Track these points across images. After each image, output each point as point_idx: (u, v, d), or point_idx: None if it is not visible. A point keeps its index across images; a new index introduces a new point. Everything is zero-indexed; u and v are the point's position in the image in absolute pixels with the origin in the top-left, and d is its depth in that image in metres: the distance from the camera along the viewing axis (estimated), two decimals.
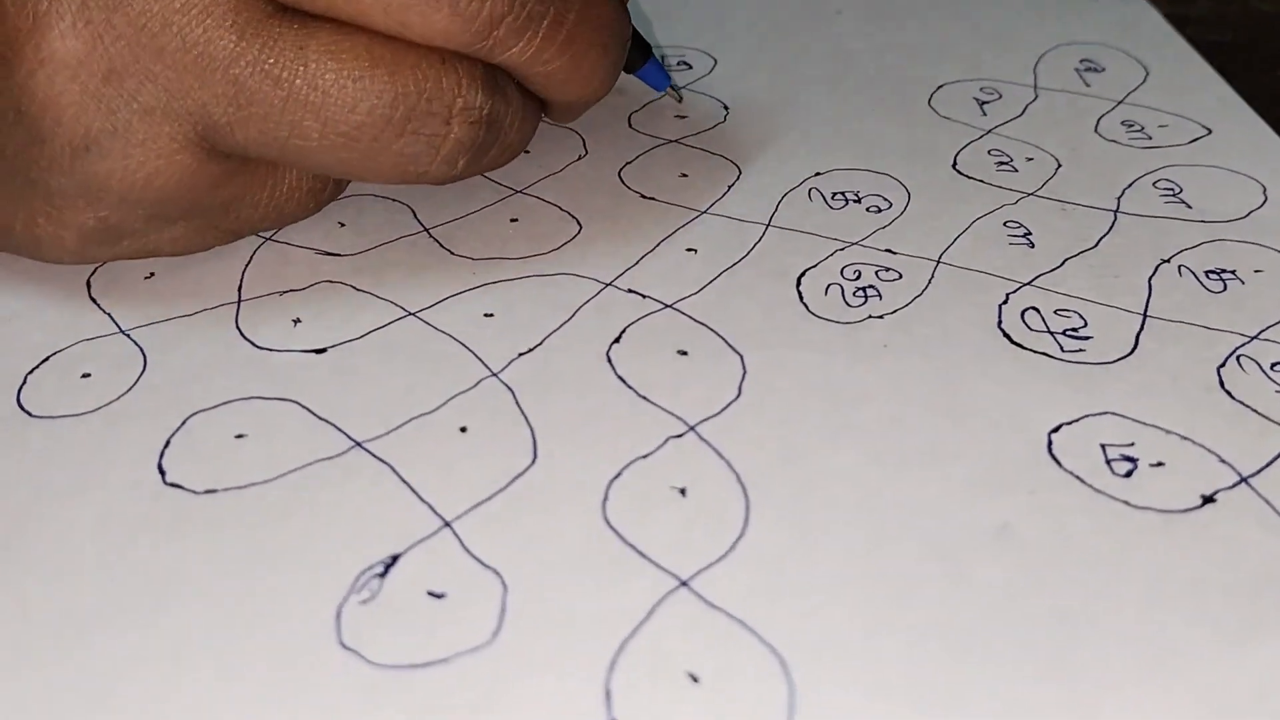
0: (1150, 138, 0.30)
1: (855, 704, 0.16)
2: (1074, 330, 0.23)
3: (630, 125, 0.30)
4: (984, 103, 0.32)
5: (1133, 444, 0.20)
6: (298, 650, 0.17)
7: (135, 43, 0.20)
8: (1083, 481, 0.20)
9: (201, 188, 0.22)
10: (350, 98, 0.21)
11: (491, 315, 0.23)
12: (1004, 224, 0.26)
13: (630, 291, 0.24)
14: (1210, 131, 0.30)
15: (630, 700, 0.16)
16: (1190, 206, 0.27)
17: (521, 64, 0.23)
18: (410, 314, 0.23)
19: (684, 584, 0.18)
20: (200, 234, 0.24)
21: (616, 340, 0.23)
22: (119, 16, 0.20)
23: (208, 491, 0.19)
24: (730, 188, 0.28)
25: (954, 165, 0.29)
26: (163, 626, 0.17)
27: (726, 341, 0.23)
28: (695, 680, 0.16)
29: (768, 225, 0.26)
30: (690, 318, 0.23)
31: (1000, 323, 0.23)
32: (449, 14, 0.21)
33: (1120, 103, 0.32)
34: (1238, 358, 0.22)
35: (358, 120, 0.21)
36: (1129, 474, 0.20)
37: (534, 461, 0.20)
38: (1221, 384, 0.22)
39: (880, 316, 0.23)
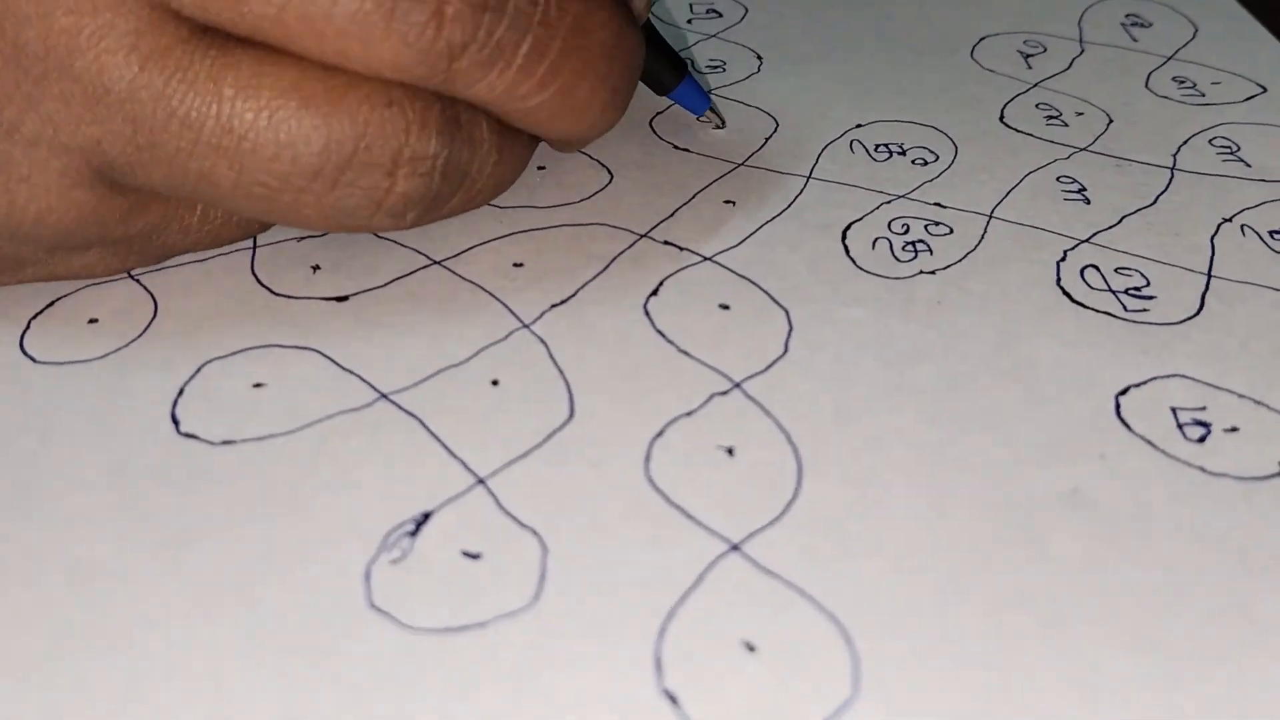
0: (1203, 95, 0.29)
1: (924, 677, 0.15)
2: (1136, 290, 0.22)
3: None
4: (1028, 56, 0.30)
5: (1204, 408, 0.19)
6: (325, 611, 0.16)
7: (16, 66, 0.17)
8: (1155, 446, 0.18)
9: (109, 221, 0.19)
10: (271, 144, 0.18)
11: (521, 265, 0.22)
12: (1057, 179, 0.25)
13: (667, 243, 0.23)
14: (1265, 90, 0.29)
15: (683, 670, 0.15)
16: (1249, 165, 0.26)
17: (494, 100, 0.19)
18: (435, 262, 0.22)
19: (735, 547, 0.17)
20: (121, 259, 0.21)
21: (654, 293, 0.22)
22: None
23: (225, 443, 0.18)
24: (768, 140, 0.27)
25: (1001, 118, 0.27)
26: (180, 581, 0.16)
27: (771, 296, 0.22)
28: (751, 649, 0.15)
29: (809, 178, 0.25)
30: (731, 271, 0.22)
31: (1059, 280, 0.22)
32: (397, 43, 0.17)
33: (1170, 59, 0.30)
34: None
35: (280, 170, 0.18)
36: (1203, 439, 0.19)
37: (571, 417, 0.19)
38: None
39: (932, 272, 0.22)
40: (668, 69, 0.25)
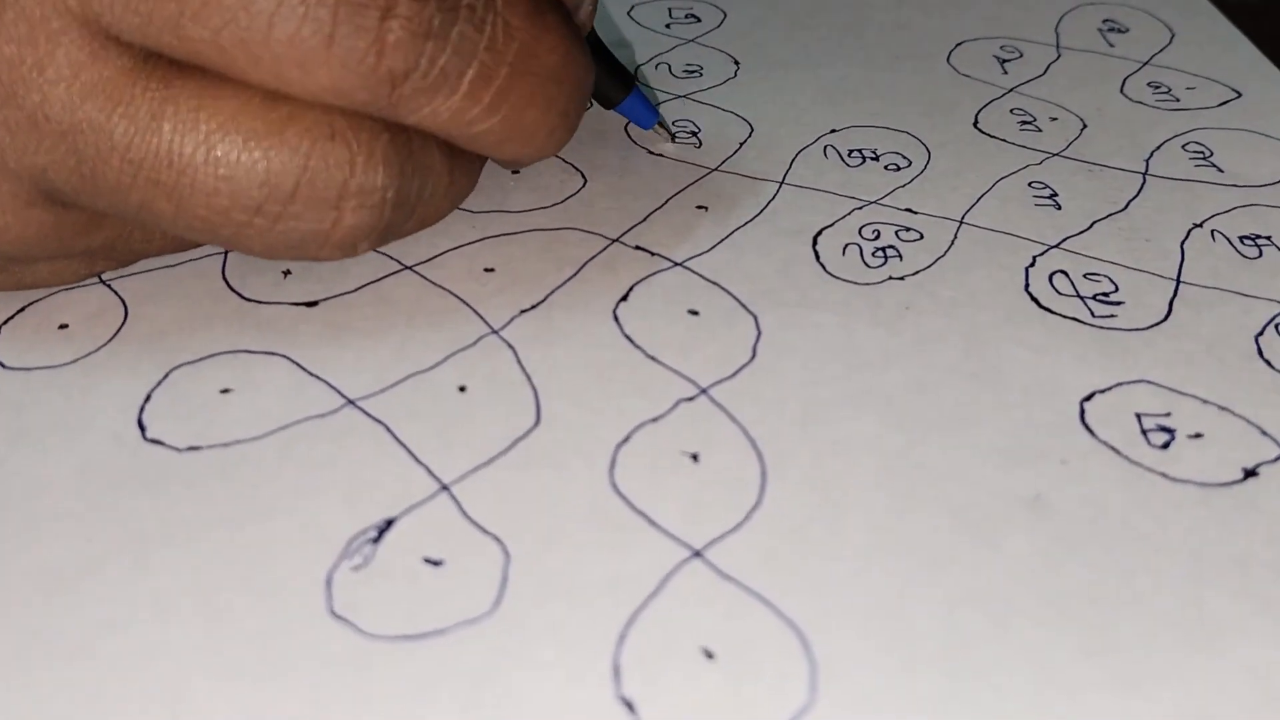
0: (1178, 100, 0.29)
1: (881, 682, 0.15)
2: (1104, 295, 0.22)
3: (637, 79, 0.29)
4: (1005, 61, 0.31)
5: (1169, 414, 0.19)
6: (286, 618, 0.16)
7: None
8: (1118, 452, 0.19)
9: (68, 236, 0.19)
10: (209, 180, 0.17)
11: (492, 270, 0.22)
12: (1029, 184, 0.25)
13: (638, 248, 0.23)
14: (1239, 95, 0.29)
15: (640, 676, 0.15)
16: (1222, 170, 0.26)
17: (439, 126, 0.18)
18: (406, 267, 0.22)
19: (697, 554, 0.17)
20: (89, 265, 0.21)
21: (624, 298, 0.22)
22: None
23: (190, 449, 0.18)
24: (742, 145, 0.27)
25: (975, 124, 0.28)
26: (143, 587, 0.16)
27: (740, 301, 0.22)
28: (710, 656, 0.15)
29: (782, 183, 0.25)
30: (701, 276, 0.22)
31: (1027, 286, 0.22)
32: (337, 68, 0.17)
33: (1145, 64, 0.30)
34: (1276, 326, 0.21)
35: (220, 205, 0.17)
36: (1166, 445, 0.19)
37: (537, 423, 0.19)
38: (1260, 353, 0.21)
39: (901, 278, 0.22)
40: (614, 84, 0.25)
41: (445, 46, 0.17)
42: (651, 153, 0.26)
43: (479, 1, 0.17)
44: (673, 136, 0.26)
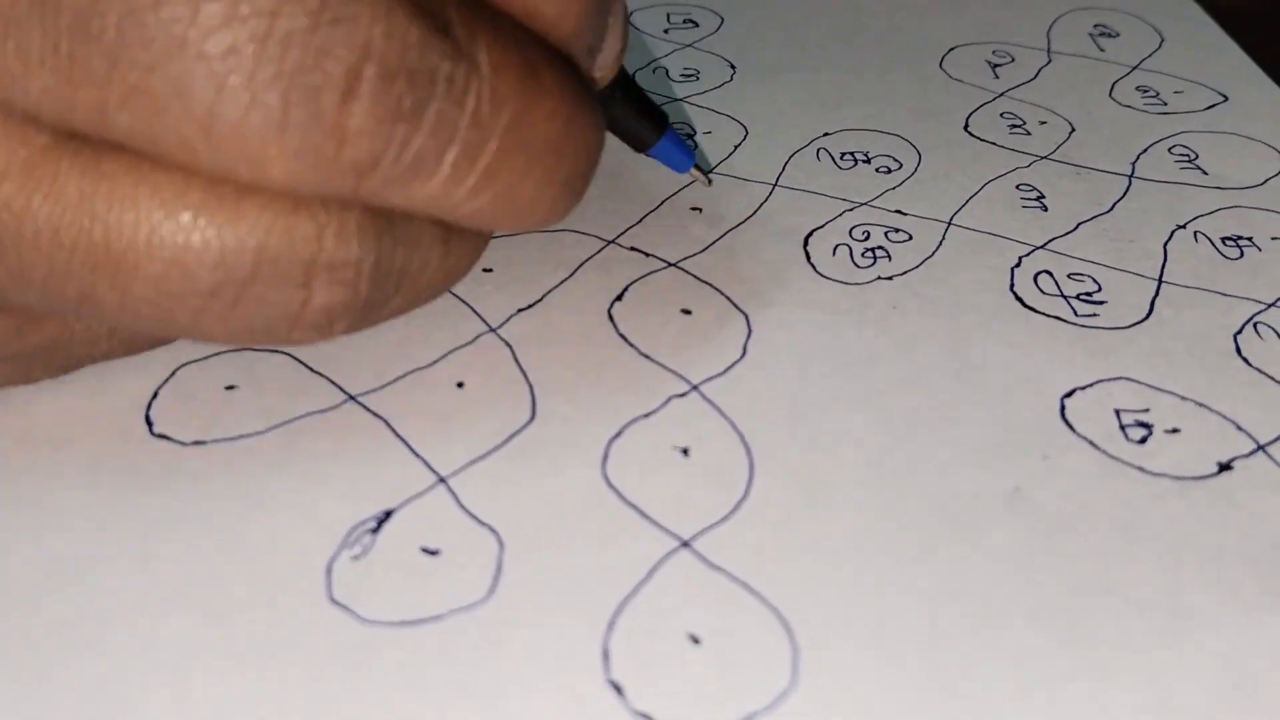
0: (1165, 104, 0.29)
1: (861, 668, 0.16)
2: (1088, 295, 0.22)
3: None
4: (996, 65, 0.31)
5: (1148, 410, 0.20)
6: (287, 605, 0.16)
7: None
8: (1096, 447, 0.19)
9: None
10: (156, 262, 0.15)
11: (490, 270, 0.23)
12: (1016, 187, 0.26)
13: (633, 249, 0.24)
14: (1226, 98, 0.29)
15: (629, 661, 0.16)
16: (1206, 173, 0.26)
17: (422, 209, 0.16)
18: None
19: (685, 544, 0.17)
20: (23, 373, 0.19)
21: (618, 298, 0.22)
22: None
23: (196, 443, 0.19)
24: (736, 147, 0.27)
25: (965, 127, 0.28)
26: (150, 578, 0.17)
27: (731, 301, 0.22)
28: (696, 642, 0.16)
29: (774, 185, 0.26)
30: (694, 276, 0.23)
31: (1012, 286, 0.23)
32: (292, 161, 0.14)
33: (1135, 68, 0.31)
34: (1255, 325, 0.22)
35: (171, 289, 0.15)
36: (1144, 440, 0.19)
37: (532, 419, 0.19)
38: (1238, 351, 0.21)
39: (889, 278, 0.23)
40: (646, 126, 0.23)
41: (420, 126, 0.15)
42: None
43: (459, 71, 0.15)
44: (709, 180, 0.25)
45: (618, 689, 0.15)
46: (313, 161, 0.14)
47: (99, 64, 0.14)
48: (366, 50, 0.14)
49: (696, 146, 0.27)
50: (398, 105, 0.14)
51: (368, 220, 0.16)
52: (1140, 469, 0.19)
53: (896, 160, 0.27)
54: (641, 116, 0.23)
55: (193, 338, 0.16)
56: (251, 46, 0.13)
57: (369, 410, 0.20)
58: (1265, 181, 0.26)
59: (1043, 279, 0.23)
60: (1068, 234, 0.24)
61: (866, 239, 0.24)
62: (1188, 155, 0.27)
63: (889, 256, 0.23)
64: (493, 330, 0.21)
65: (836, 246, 0.24)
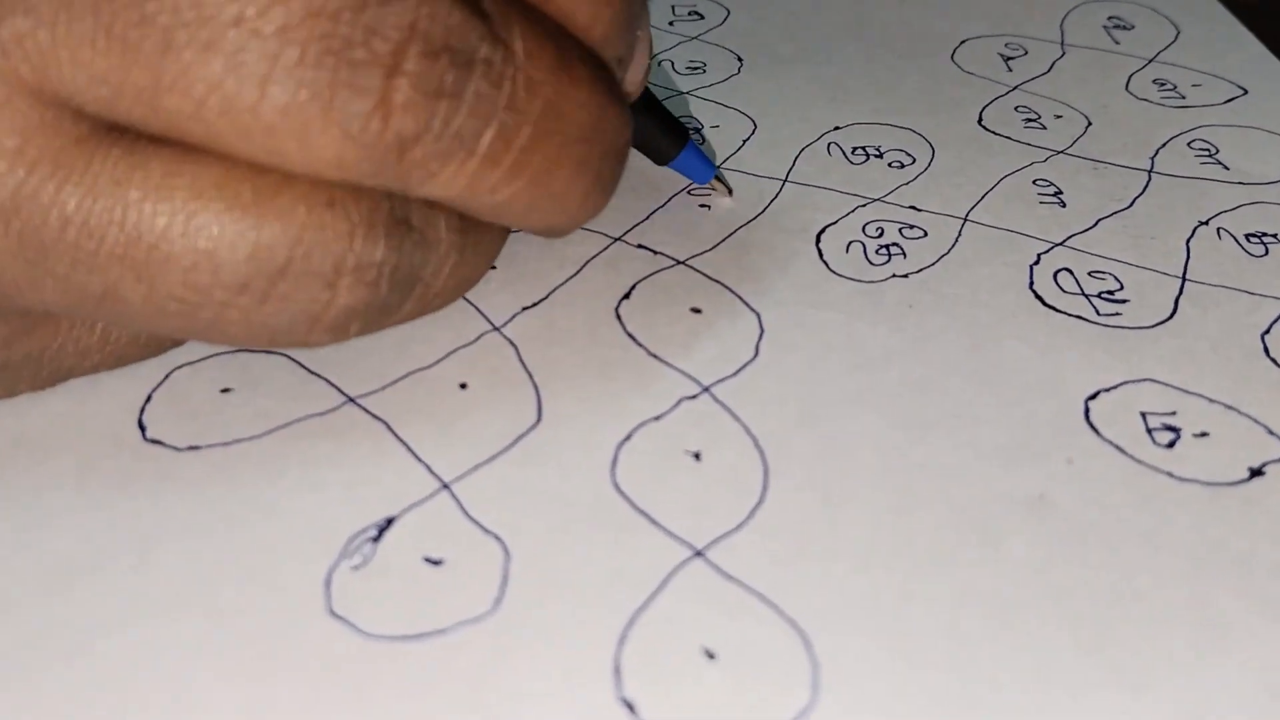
0: (1184, 97, 0.29)
1: (883, 683, 0.15)
2: (1109, 293, 0.22)
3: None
4: (1009, 58, 0.30)
5: (1175, 413, 0.19)
6: (285, 618, 0.16)
7: None
8: (1123, 451, 0.18)
9: None
10: (188, 253, 0.15)
11: (494, 267, 0.22)
12: (1033, 182, 0.25)
13: (640, 247, 0.23)
14: (1246, 92, 0.29)
15: (641, 677, 0.15)
16: (1227, 168, 0.26)
17: (455, 196, 0.16)
18: None
19: (699, 554, 0.17)
20: (8, 385, 0.18)
21: (626, 296, 0.22)
22: None
23: (190, 448, 0.18)
24: (745, 142, 0.26)
25: (979, 121, 0.27)
26: (143, 586, 0.16)
27: (742, 299, 0.21)
28: (712, 657, 0.15)
29: (785, 180, 0.25)
30: (704, 274, 0.22)
31: (1032, 284, 0.22)
32: (338, 137, 0.14)
33: (1151, 61, 0.30)
34: None
35: (200, 283, 0.15)
36: (1172, 444, 0.19)
37: (538, 421, 0.19)
38: (1266, 351, 0.20)
39: (904, 275, 0.22)
40: (667, 138, 0.23)
41: (460, 106, 0.15)
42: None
43: (496, 54, 0.15)
44: (730, 191, 0.24)
45: (630, 707, 0.15)
46: (359, 137, 0.15)
47: (152, 45, 0.14)
48: (412, 29, 0.14)
49: (704, 141, 0.26)
50: (440, 83, 0.15)
51: (393, 221, 0.16)
52: (1169, 474, 0.18)
53: (909, 155, 0.26)
54: (664, 130, 0.23)
55: (209, 339, 0.16)
56: (305, 24, 0.14)
57: (369, 413, 0.19)
58: None
59: (1063, 277, 0.22)
60: (1087, 230, 0.24)
61: (880, 235, 0.23)
62: (1208, 150, 0.26)
63: (904, 253, 0.23)
64: (496, 329, 0.21)
65: (850, 243, 0.23)
